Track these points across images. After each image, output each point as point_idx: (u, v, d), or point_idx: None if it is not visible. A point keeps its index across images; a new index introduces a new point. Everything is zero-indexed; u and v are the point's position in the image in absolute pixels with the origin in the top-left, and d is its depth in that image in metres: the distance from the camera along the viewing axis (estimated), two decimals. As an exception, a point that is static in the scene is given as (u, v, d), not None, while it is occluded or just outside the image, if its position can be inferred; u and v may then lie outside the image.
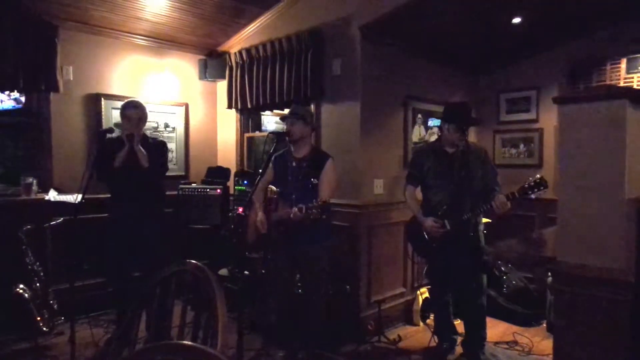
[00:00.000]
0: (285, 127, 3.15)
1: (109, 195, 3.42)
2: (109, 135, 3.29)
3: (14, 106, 4.24)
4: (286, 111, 3.25)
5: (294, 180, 3.08)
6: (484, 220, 3.45)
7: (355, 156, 3.75)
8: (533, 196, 2.94)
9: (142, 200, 3.33)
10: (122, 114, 3.34)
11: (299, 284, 3.24)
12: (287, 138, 3.07)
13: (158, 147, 3.49)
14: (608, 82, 4.08)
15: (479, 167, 3.20)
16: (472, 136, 4.53)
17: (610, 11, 3.92)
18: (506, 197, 2.97)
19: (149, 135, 3.70)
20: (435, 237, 3.21)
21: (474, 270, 3.26)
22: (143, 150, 3.27)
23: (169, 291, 1.55)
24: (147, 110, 3.45)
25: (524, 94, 4.70)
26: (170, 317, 1.57)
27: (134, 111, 3.31)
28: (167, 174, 4.69)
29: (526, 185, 2.93)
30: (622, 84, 4.00)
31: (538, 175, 2.93)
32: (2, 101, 4.25)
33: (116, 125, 3.98)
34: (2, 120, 4.28)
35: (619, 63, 4.06)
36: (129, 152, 3.23)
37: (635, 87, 3.95)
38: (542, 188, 2.88)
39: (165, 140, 4.77)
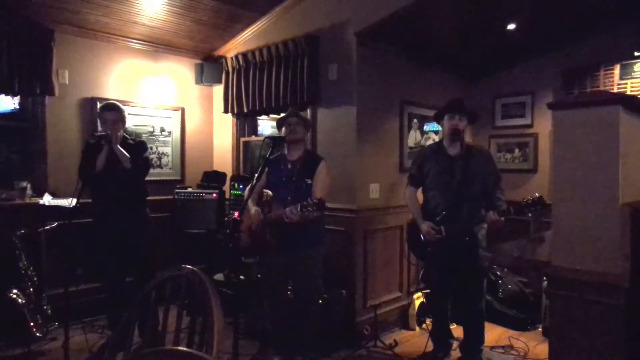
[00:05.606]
0: (284, 129, 3.16)
1: (90, 200, 3.38)
2: (90, 140, 3.34)
3: (9, 110, 4.21)
4: (282, 116, 3.26)
5: (288, 181, 3.09)
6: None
7: (351, 161, 3.76)
8: (530, 214, 2.93)
9: (125, 202, 3.36)
10: (99, 116, 3.41)
11: (293, 289, 3.23)
12: (287, 138, 3.10)
13: (138, 146, 3.48)
14: (602, 88, 4.11)
15: (480, 170, 3.17)
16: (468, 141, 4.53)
17: (604, 17, 3.96)
18: (503, 212, 2.96)
19: (134, 137, 3.76)
20: (431, 242, 3.21)
21: (471, 275, 3.26)
22: (123, 151, 3.28)
23: (163, 296, 1.54)
24: (126, 113, 3.46)
25: (519, 100, 4.74)
26: (164, 323, 1.57)
27: (108, 114, 3.34)
28: (163, 178, 4.75)
29: (523, 203, 2.90)
30: (615, 90, 4.03)
31: (537, 194, 2.91)
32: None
33: None
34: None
35: (613, 69, 4.10)
36: (108, 153, 3.25)
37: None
38: (538, 207, 2.87)
39: (161, 144, 4.81)
